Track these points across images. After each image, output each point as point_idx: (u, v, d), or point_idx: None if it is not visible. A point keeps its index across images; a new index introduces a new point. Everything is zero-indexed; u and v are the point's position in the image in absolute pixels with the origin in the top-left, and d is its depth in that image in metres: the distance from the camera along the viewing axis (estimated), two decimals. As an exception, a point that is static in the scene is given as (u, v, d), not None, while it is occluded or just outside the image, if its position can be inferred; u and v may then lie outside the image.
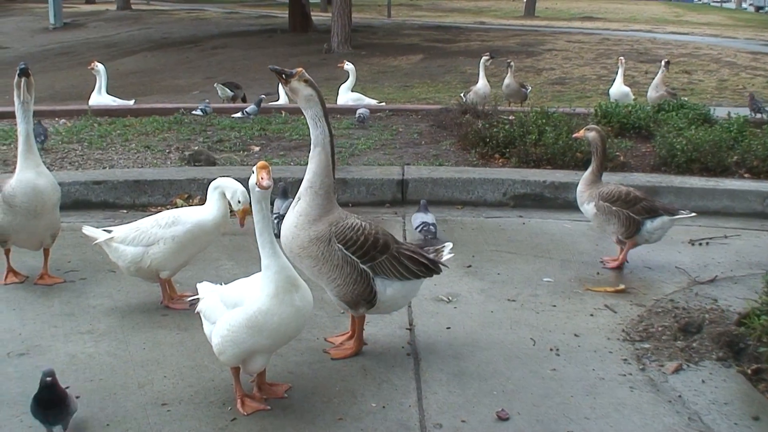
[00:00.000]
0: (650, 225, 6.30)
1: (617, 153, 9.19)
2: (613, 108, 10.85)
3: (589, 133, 6.51)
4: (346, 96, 13.71)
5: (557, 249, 6.90)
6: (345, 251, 4.46)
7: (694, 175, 8.72)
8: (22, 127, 5.59)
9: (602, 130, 6.66)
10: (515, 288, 5.96)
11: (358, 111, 11.57)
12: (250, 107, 12.12)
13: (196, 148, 9.42)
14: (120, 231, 5.39)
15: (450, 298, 5.73)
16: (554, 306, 5.63)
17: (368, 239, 4.51)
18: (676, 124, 10.20)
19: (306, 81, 4.50)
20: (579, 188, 6.55)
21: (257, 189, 3.85)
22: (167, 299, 5.51)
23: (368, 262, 4.52)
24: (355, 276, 4.50)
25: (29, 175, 5.60)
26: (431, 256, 4.77)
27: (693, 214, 6.44)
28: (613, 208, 6.27)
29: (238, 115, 11.91)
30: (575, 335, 5.14)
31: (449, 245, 4.93)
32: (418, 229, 6.89)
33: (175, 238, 5.26)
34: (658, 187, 8.19)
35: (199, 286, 4.44)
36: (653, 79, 13.98)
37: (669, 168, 8.97)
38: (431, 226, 6.85)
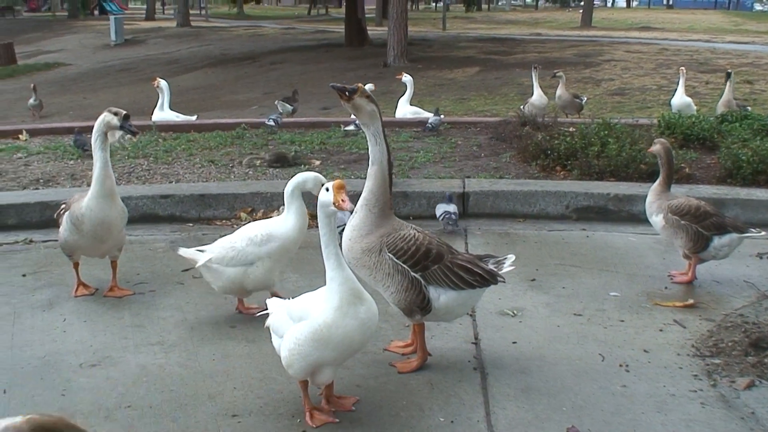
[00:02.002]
0: (718, 241, 6.18)
1: (682, 164, 9.05)
2: (676, 119, 10.70)
3: (655, 146, 6.47)
4: (404, 109, 13.77)
5: (623, 263, 6.82)
6: (396, 260, 4.57)
7: (760, 187, 8.54)
8: (100, 154, 5.66)
9: (667, 142, 6.57)
10: (581, 302, 5.89)
11: (430, 119, 12.01)
12: (278, 115, 12.64)
13: (276, 150, 9.72)
14: (215, 251, 5.43)
15: (515, 312, 5.70)
16: (622, 321, 5.55)
17: (420, 249, 4.59)
18: (741, 135, 10.01)
19: (368, 97, 4.62)
20: (648, 199, 6.49)
21: (331, 207, 3.90)
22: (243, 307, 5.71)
23: (420, 271, 4.59)
24: (406, 284, 4.58)
25: (102, 204, 5.68)
26: (489, 267, 4.76)
27: (763, 233, 6.28)
28: (682, 222, 6.18)
29: (267, 121, 12.28)
30: (645, 351, 5.06)
31: (511, 257, 4.89)
32: (440, 217, 7.53)
33: (272, 256, 5.35)
34: (724, 200, 8.04)
35: (268, 301, 4.49)
36: (715, 89, 13.74)
37: (734, 180, 8.80)
38: (452, 215, 7.47)
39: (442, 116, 12.51)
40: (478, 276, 4.66)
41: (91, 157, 9.75)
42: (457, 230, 7.67)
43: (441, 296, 4.63)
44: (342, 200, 3.88)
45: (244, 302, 5.73)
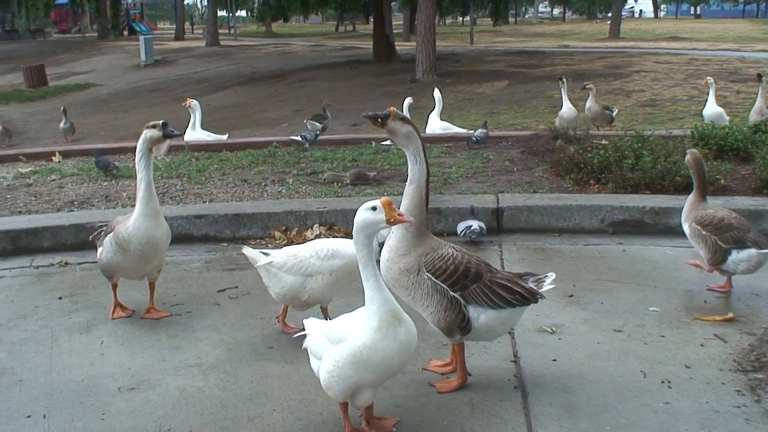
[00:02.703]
0: (736, 256, 6.09)
1: (717, 176, 8.94)
2: (709, 130, 10.59)
3: (686, 157, 6.46)
4: (434, 125, 13.77)
5: (661, 277, 6.73)
6: (435, 280, 4.55)
7: (798, 198, 8.43)
8: (144, 174, 5.70)
9: (697, 152, 6.52)
10: (620, 318, 5.82)
11: (476, 132, 12.29)
12: (309, 133, 12.82)
13: (356, 169, 9.78)
14: (278, 257, 5.44)
15: (554, 329, 5.64)
16: (662, 336, 5.47)
17: (458, 268, 4.56)
18: (776, 144, 9.89)
19: (402, 119, 4.62)
20: (684, 209, 6.47)
21: (381, 225, 3.93)
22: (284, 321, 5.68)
23: (459, 291, 4.55)
24: (445, 303, 4.55)
25: (148, 223, 5.72)
26: (529, 285, 4.71)
27: None
28: (703, 232, 6.18)
29: (297, 138, 12.49)
30: (686, 366, 4.98)
31: (552, 276, 4.84)
32: (462, 233, 7.60)
33: (333, 272, 5.33)
34: (761, 211, 7.92)
35: (305, 322, 4.48)
36: (746, 99, 13.60)
37: (771, 190, 8.68)
38: (475, 228, 7.57)
39: (487, 130, 12.61)
40: (519, 295, 4.61)
41: (117, 176, 9.96)
42: (483, 241, 7.70)
43: (481, 315, 4.59)
44: (399, 214, 3.91)
45: (286, 320, 5.73)
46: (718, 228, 6.12)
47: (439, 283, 4.55)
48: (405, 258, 4.63)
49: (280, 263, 5.39)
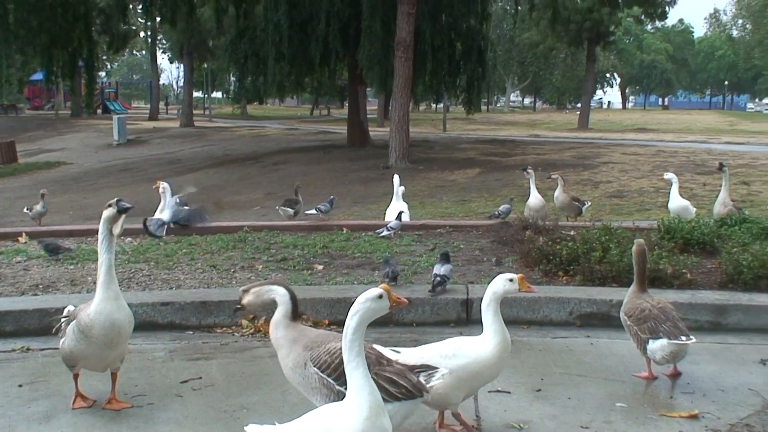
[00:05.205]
0: (652, 345, 6.33)
1: (684, 270, 9.01)
2: (676, 223, 10.73)
3: (633, 247, 6.78)
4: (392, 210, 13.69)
5: (628, 371, 6.72)
6: (321, 374, 4.69)
7: (762, 292, 8.50)
8: (105, 257, 5.63)
9: (642, 243, 6.77)
10: (588, 414, 5.79)
11: (500, 208, 13.53)
12: (324, 206, 13.91)
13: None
14: (405, 355, 5.29)
15: (521, 425, 5.58)
16: (629, 434, 5.45)
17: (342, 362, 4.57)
18: (741, 239, 10.03)
19: (244, 291, 5.31)
20: (623, 300, 6.81)
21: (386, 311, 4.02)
22: (441, 424, 5.43)
23: (344, 385, 4.46)
24: (333, 397, 4.60)
25: (109, 307, 5.61)
26: (417, 379, 4.72)
27: (693, 339, 6.23)
28: (628, 322, 6.53)
29: (312, 212, 13.69)
30: (653, 466, 4.95)
31: (443, 371, 4.86)
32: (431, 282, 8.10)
33: (453, 372, 5.11)
34: (726, 305, 8.01)
35: (248, 428, 4.27)
36: (712, 191, 13.85)
37: (736, 285, 8.76)
38: (438, 277, 8.03)
39: (510, 206, 13.74)
40: (404, 389, 4.62)
41: (62, 260, 9.77)
42: (444, 291, 8.12)
43: None
44: (397, 298, 4.05)
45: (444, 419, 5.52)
46: (639, 319, 6.42)
47: (325, 377, 4.66)
48: (291, 354, 4.87)
49: (404, 359, 5.22)
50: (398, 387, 4.61)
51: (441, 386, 5.07)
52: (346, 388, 4.43)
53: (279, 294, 5.08)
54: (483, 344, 5.21)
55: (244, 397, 5.84)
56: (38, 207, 17.91)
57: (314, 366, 4.69)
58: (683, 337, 6.22)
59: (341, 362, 4.44)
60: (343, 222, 13.14)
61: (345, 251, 10.67)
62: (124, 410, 5.83)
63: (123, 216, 5.68)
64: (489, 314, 5.22)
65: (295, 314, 5.07)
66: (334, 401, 4.52)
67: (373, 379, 4.48)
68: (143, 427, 5.55)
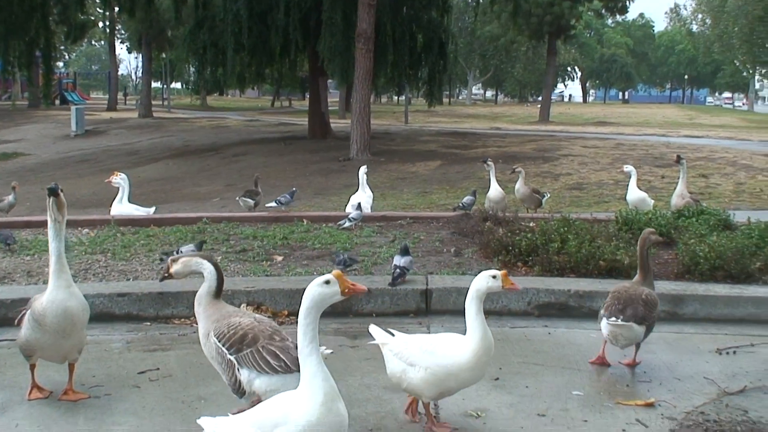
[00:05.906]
0: (602, 323, 6.52)
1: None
2: (633, 215, 10.86)
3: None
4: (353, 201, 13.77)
5: (585, 360, 6.80)
6: (218, 343, 5.04)
7: (718, 283, 8.64)
8: (54, 245, 5.59)
9: (647, 232, 7.02)
10: (545, 402, 5.85)
11: (464, 199, 13.83)
12: (284, 197, 14.04)
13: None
14: (397, 340, 5.32)
15: (479, 413, 5.62)
16: (586, 421, 5.51)
17: (238, 332, 5.00)
18: (698, 230, 10.18)
19: (173, 260, 5.59)
20: None
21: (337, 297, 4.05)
22: (431, 423, 5.33)
23: (234, 354, 4.97)
24: (224, 365, 5.01)
25: (61, 295, 5.57)
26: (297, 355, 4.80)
27: (613, 319, 6.33)
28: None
29: (273, 204, 13.76)
30: (609, 453, 5.02)
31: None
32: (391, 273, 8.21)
33: (429, 368, 5.09)
34: (683, 295, 8.15)
35: (199, 421, 4.28)
36: (671, 183, 14.05)
37: (693, 275, 8.90)
38: (398, 269, 8.11)
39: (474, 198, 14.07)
40: (283, 362, 4.82)
41: (19, 251, 9.66)
42: (404, 282, 8.22)
43: (255, 380, 4.88)
44: (352, 284, 4.08)
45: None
46: (609, 298, 6.61)
47: (220, 346, 5.02)
48: (203, 327, 5.25)
49: (393, 348, 5.27)
50: (279, 360, 4.83)
51: (415, 379, 5.11)
52: (236, 357, 4.92)
53: (206, 269, 5.37)
54: (463, 346, 5.14)
55: (201, 388, 5.81)
56: (9, 198, 17.62)
57: (215, 336, 5.05)
58: (613, 318, 6.34)
59: (235, 333, 4.97)
60: (304, 213, 13.11)
61: (305, 242, 10.64)
62: (81, 401, 5.77)
63: (52, 199, 5.59)
64: (471, 312, 5.15)
65: (219, 291, 5.38)
66: (227, 369, 4.96)
67: (258, 351, 4.90)
68: (100, 417, 5.50)
